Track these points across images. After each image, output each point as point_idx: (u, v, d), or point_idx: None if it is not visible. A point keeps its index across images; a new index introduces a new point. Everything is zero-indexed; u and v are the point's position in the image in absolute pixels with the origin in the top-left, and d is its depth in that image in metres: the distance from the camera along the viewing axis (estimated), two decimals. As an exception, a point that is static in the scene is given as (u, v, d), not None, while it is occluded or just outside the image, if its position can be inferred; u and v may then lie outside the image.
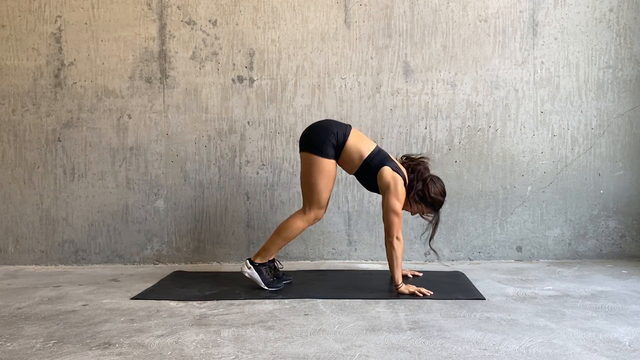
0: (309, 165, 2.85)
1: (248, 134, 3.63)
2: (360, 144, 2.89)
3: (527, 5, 3.56)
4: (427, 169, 2.96)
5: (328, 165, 2.84)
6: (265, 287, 2.89)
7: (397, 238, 2.79)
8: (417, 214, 3.01)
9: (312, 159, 2.84)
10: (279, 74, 3.61)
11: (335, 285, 2.99)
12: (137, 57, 3.62)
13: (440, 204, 2.94)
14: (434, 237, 3.03)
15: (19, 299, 2.81)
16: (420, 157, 3.00)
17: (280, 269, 3.06)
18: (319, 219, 2.94)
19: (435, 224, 2.97)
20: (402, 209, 2.89)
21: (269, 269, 2.95)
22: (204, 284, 3.04)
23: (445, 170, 3.58)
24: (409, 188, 2.89)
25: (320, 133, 2.87)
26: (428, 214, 2.98)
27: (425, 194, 2.88)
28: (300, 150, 2.91)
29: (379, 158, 2.88)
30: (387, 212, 2.81)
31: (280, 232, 2.91)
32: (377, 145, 2.94)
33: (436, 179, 2.94)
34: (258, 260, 2.93)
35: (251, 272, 2.91)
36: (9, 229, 3.67)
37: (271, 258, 2.97)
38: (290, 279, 3.04)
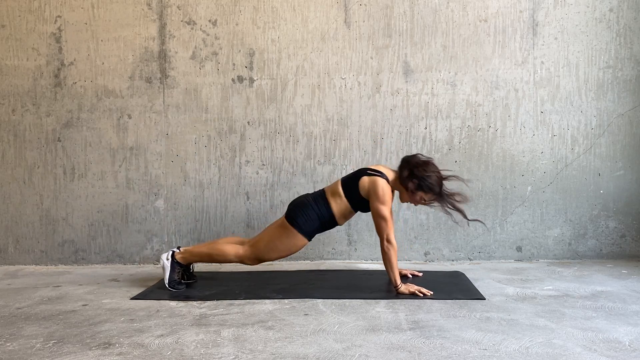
0: (286, 229, 2.89)
1: (248, 134, 3.63)
2: (334, 192, 2.91)
3: (527, 5, 3.56)
4: (415, 157, 2.85)
5: (300, 242, 2.90)
6: (167, 284, 2.91)
7: (388, 241, 2.78)
8: (422, 204, 2.90)
9: (290, 230, 2.89)
10: (279, 74, 3.61)
11: (335, 285, 2.99)
12: (137, 57, 3.62)
13: (437, 184, 2.79)
14: (465, 215, 2.86)
15: (19, 299, 2.81)
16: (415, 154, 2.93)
17: (192, 271, 3.07)
18: (246, 264, 2.97)
19: (453, 206, 2.84)
20: (404, 201, 2.92)
21: (181, 272, 2.96)
22: (204, 284, 3.04)
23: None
24: (403, 180, 2.82)
25: (306, 210, 2.89)
26: (432, 201, 2.87)
27: (416, 176, 2.77)
28: (285, 217, 2.94)
29: (349, 178, 2.91)
30: (374, 217, 2.83)
31: (214, 249, 2.95)
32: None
33: (423, 162, 2.81)
34: (179, 258, 2.95)
35: (167, 264, 2.92)
36: (9, 229, 3.67)
37: (190, 264, 3.00)
38: (194, 280, 3.03)
